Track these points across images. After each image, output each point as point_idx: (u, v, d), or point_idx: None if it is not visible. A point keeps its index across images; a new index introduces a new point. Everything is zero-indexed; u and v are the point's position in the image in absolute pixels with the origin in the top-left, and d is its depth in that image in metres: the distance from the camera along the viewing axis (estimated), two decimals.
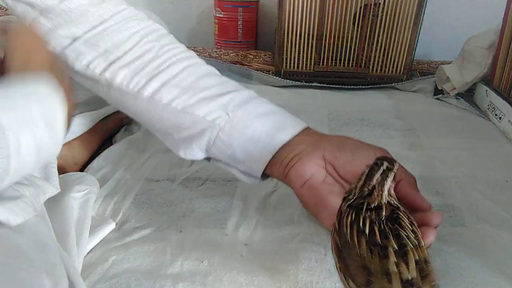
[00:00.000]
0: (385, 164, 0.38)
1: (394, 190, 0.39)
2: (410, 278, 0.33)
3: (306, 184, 0.46)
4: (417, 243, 0.35)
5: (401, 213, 0.37)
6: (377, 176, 0.38)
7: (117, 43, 0.52)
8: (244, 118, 0.49)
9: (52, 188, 0.47)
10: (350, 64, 1.06)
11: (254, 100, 0.52)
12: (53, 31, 0.52)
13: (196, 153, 0.51)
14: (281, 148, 0.48)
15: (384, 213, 0.36)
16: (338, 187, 0.46)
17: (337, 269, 0.38)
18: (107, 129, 0.79)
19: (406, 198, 0.42)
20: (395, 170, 0.38)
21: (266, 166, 0.49)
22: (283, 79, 1.06)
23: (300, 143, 0.48)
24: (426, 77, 1.08)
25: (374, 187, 0.37)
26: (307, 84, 1.07)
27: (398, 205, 0.38)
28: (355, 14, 1.01)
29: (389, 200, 0.38)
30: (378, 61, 1.06)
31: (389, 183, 0.38)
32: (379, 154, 0.43)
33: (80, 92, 0.72)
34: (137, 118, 0.55)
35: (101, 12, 0.53)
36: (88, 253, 0.52)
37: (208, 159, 0.54)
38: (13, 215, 0.37)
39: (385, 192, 0.37)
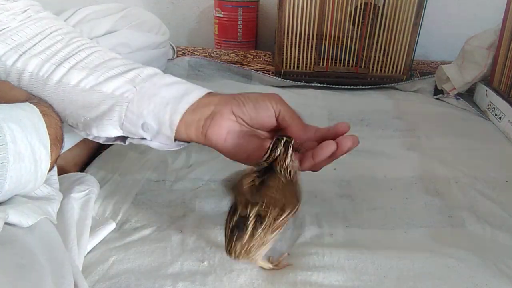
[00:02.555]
0: (285, 138, 0.48)
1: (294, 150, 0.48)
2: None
3: (226, 139, 0.51)
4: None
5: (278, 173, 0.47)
6: (280, 147, 0.47)
7: (28, 37, 0.54)
8: (151, 88, 0.51)
9: (60, 195, 0.50)
10: (350, 64, 1.06)
11: (159, 74, 0.54)
12: None
13: (109, 129, 0.52)
14: (190, 110, 0.50)
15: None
16: (253, 132, 0.52)
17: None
18: None
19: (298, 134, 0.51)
20: (292, 142, 0.48)
21: (182, 130, 0.51)
22: (283, 79, 1.06)
23: (208, 104, 0.51)
24: (426, 77, 1.08)
25: (278, 156, 0.47)
26: (307, 84, 1.07)
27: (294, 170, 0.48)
28: (351, 12, 1.00)
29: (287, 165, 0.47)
30: (378, 61, 1.06)
31: (290, 151, 0.47)
32: (274, 103, 0.51)
33: None
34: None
35: (12, 11, 0.55)
36: (88, 253, 0.52)
37: (123, 140, 0.55)
38: (25, 217, 0.39)
39: (289, 158, 0.47)
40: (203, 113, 0.50)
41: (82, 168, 0.71)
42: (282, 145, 0.47)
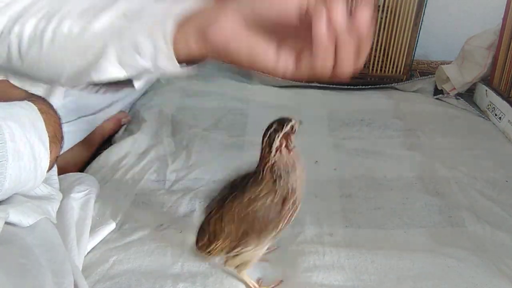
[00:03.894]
0: (274, 126, 0.44)
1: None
2: None
3: (230, 40, 0.41)
4: None
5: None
6: (265, 139, 0.43)
7: (28, 3, 0.49)
8: (140, 10, 0.45)
9: (60, 194, 0.50)
10: None
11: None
12: None
13: (108, 69, 0.46)
14: (186, 17, 0.43)
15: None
16: (260, 30, 0.42)
17: None
18: (107, 129, 0.79)
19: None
20: (285, 129, 0.43)
21: (180, 42, 0.43)
22: (283, 79, 1.06)
23: (203, 10, 0.43)
24: (426, 77, 1.08)
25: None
26: (307, 84, 1.06)
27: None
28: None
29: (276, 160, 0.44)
30: (378, 61, 1.06)
31: (277, 143, 0.43)
32: None
33: (79, 96, 0.73)
34: (48, 71, 0.50)
35: None
36: (88, 253, 0.52)
37: (131, 85, 0.49)
38: (25, 217, 0.39)
39: (273, 153, 0.43)
40: (202, 16, 0.43)
41: (82, 168, 0.71)
42: (267, 137, 0.44)
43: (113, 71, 0.46)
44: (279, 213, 0.44)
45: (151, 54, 0.45)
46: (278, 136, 0.43)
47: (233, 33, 0.41)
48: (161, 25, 0.43)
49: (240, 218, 0.43)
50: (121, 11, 0.46)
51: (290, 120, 0.44)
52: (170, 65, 0.45)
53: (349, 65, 0.39)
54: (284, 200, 0.44)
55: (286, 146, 0.44)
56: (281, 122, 0.43)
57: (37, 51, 0.49)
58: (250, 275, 0.49)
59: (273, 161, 0.43)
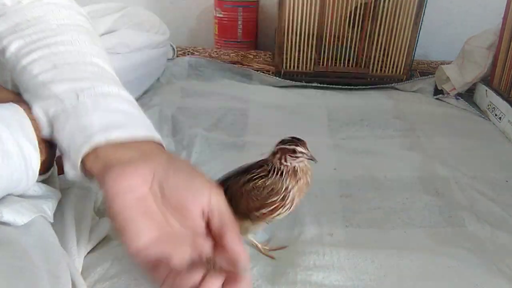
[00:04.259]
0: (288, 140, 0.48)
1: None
2: None
3: (121, 196, 0.38)
4: None
5: None
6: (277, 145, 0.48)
7: (26, 19, 0.52)
8: (89, 108, 0.44)
9: (58, 193, 0.50)
10: (350, 64, 1.06)
11: (117, 96, 0.46)
12: None
13: (41, 119, 0.45)
14: (109, 145, 0.41)
15: None
16: (155, 210, 0.39)
17: None
18: None
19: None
20: (285, 146, 0.48)
21: (89, 160, 0.41)
22: (283, 79, 1.06)
23: (134, 148, 0.41)
24: (426, 77, 1.08)
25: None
26: (307, 84, 1.06)
27: None
28: (350, 12, 1.00)
29: None
30: (378, 61, 1.06)
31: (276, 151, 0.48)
32: (213, 196, 0.39)
33: None
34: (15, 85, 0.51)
35: None
36: (88, 253, 0.52)
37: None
38: (19, 215, 0.39)
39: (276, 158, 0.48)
40: (118, 153, 0.40)
41: None
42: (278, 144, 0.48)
43: (42, 121, 0.45)
44: (266, 199, 0.47)
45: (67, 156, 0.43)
46: (277, 145, 0.48)
47: (125, 197, 0.38)
48: (82, 141, 0.41)
49: (236, 193, 0.48)
50: (81, 90, 0.45)
51: (297, 145, 0.47)
52: (70, 173, 0.43)
53: None
54: (274, 191, 0.47)
55: (285, 159, 0.47)
56: (293, 140, 0.48)
57: (11, 70, 0.52)
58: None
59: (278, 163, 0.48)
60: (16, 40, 0.50)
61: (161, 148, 0.45)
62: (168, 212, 0.39)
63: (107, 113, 0.44)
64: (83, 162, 0.41)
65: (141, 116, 0.47)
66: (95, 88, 0.45)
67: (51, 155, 0.46)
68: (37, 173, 0.43)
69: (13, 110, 0.43)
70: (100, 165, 0.40)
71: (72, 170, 0.42)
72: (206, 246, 0.38)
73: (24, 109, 0.44)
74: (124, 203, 0.38)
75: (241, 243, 0.37)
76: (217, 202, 0.38)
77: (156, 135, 0.45)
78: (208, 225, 0.38)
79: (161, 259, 0.36)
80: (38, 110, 0.45)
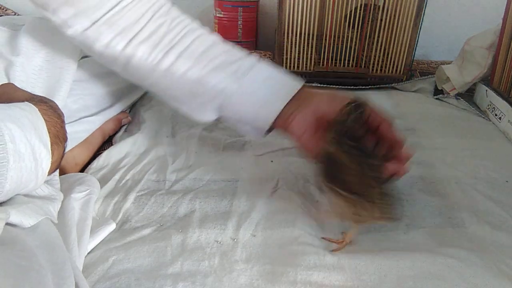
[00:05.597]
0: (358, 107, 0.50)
1: (375, 131, 0.53)
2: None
3: (304, 134, 0.56)
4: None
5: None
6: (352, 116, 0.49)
7: (133, 21, 0.58)
8: (249, 86, 0.57)
9: (61, 195, 0.50)
10: (350, 64, 1.06)
11: (258, 65, 0.59)
12: (75, 16, 0.57)
13: (207, 115, 0.60)
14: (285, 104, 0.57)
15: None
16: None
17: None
18: (108, 130, 0.79)
19: (385, 139, 0.54)
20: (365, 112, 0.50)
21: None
22: None
23: (297, 99, 0.57)
24: (426, 77, 1.08)
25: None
26: (307, 84, 1.06)
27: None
28: (349, 14, 1.00)
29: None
30: (378, 61, 1.06)
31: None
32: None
33: (81, 96, 0.73)
34: (153, 89, 0.62)
35: None
36: (88, 253, 0.52)
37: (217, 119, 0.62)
38: (26, 218, 0.39)
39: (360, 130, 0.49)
40: (290, 108, 0.57)
41: (83, 168, 0.71)
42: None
43: (211, 117, 0.61)
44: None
45: (247, 125, 0.60)
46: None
47: (306, 131, 0.56)
48: (266, 113, 0.57)
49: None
50: (233, 74, 0.57)
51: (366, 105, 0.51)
52: (256, 137, 0.61)
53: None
54: None
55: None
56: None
57: (144, 73, 0.59)
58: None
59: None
60: (139, 46, 0.57)
61: (307, 88, 0.60)
62: None
63: (266, 84, 0.58)
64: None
65: (281, 71, 0.60)
66: (241, 67, 0.58)
67: (60, 157, 0.47)
68: (46, 174, 0.44)
69: (28, 110, 0.43)
70: (281, 121, 0.57)
71: (259, 133, 0.60)
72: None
73: (39, 109, 0.44)
74: (311, 138, 0.56)
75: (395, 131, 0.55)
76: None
77: (300, 81, 0.60)
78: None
79: None
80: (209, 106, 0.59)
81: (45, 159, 0.43)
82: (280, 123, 0.58)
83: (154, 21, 0.58)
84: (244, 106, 0.58)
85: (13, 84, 0.53)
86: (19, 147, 0.39)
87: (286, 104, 0.57)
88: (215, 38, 0.61)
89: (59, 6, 0.56)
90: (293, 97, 0.57)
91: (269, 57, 1.20)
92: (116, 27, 0.57)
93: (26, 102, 0.44)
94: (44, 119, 0.44)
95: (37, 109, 0.44)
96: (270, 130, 0.60)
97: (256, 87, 0.57)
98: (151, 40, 0.57)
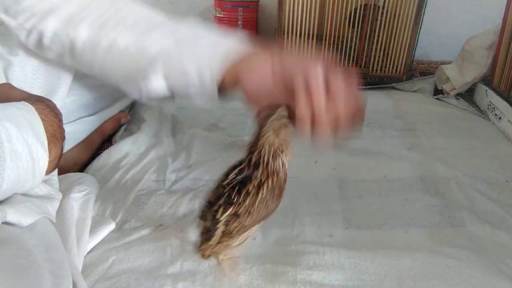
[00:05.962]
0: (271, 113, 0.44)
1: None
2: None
3: (257, 86, 0.49)
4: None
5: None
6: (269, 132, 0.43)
7: (79, 8, 0.56)
8: (189, 41, 0.53)
9: (60, 194, 0.50)
10: (350, 64, 1.06)
11: (198, 26, 0.55)
12: (27, 17, 0.57)
13: (153, 81, 0.54)
14: (229, 56, 0.50)
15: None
16: (283, 87, 0.49)
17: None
18: (107, 129, 0.79)
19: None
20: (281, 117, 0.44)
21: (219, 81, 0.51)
22: None
23: (248, 50, 0.51)
24: (426, 77, 1.08)
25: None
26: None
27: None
28: (349, 14, 1.00)
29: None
30: (378, 61, 1.06)
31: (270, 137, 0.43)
32: (310, 69, 0.45)
33: (79, 96, 0.73)
34: (103, 73, 0.59)
35: None
36: (88, 253, 0.52)
37: (172, 99, 0.58)
38: (24, 216, 0.39)
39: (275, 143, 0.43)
40: (241, 62, 0.51)
41: (82, 168, 0.71)
42: (269, 127, 0.43)
43: (158, 85, 0.55)
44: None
45: (196, 86, 0.52)
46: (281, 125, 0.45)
47: (259, 85, 0.49)
48: (209, 63, 0.51)
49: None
50: (172, 35, 0.54)
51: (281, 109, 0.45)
52: (208, 102, 0.53)
53: (326, 140, 0.45)
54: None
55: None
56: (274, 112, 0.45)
57: (90, 56, 0.57)
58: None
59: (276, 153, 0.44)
60: (81, 29, 0.55)
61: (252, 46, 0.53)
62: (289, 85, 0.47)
63: (207, 38, 0.54)
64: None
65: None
66: (179, 29, 0.55)
67: (58, 156, 0.47)
68: (44, 173, 0.44)
69: (25, 109, 0.43)
70: (231, 78, 0.50)
71: (209, 99, 0.52)
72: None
73: (36, 108, 0.44)
74: (264, 89, 0.49)
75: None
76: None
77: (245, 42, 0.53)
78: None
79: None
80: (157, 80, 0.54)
81: (42, 158, 0.42)
82: (229, 77, 0.51)
83: (99, 6, 0.57)
84: (186, 63, 0.52)
85: (10, 84, 0.53)
86: (16, 147, 0.39)
87: (234, 53, 0.51)
88: (163, 19, 0.59)
89: (20, 11, 0.56)
90: (244, 48, 0.51)
91: None
92: (61, 15, 0.56)
93: (23, 102, 0.44)
94: (41, 118, 0.44)
95: (34, 108, 0.44)
96: (224, 92, 0.53)
97: (196, 41, 0.53)
98: (95, 23, 0.56)
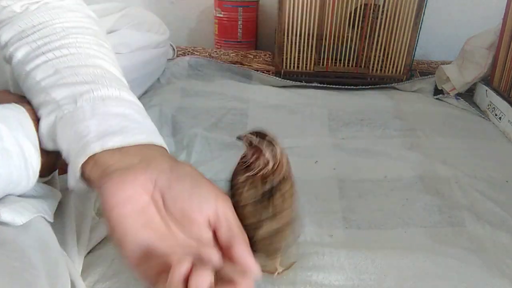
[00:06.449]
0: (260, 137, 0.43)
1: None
2: None
3: (119, 207, 0.36)
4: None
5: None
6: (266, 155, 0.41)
7: (33, 24, 0.51)
8: (86, 114, 0.42)
9: (59, 194, 0.49)
10: (350, 64, 1.06)
11: (117, 99, 0.44)
12: None
13: (43, 128, 0.44)
14: (107, 152, 0.39)
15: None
16: (157, 220, 0.37)
17: None
18: None
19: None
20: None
21: (86, 167, 0.40)
22: (283, 79, 1.06)
23: (133, 153, 0.39)
24: (426, 77, 1.08)
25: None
26: (307, 84, 1.06)
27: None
28: (349, 14, 1.00)
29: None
30: (378, 61, 1.06)
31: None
32: (221, 204, 0.37)
33: None
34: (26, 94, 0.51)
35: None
36: (88, 252, 0.52)
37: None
38: (18, 215, 0.39)
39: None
40: (119, 161, 0.39)
41: None
42: (267, 153, 0.40)
43: (43, 131, 0.44)
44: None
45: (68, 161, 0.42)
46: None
47: (126, 207, 0.36)
48: (80, 149, 0.40)
49: None
50: (80, 95, 0.44)
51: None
52: (72, 182, 0.42)
53: None
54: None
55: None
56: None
57: (18, 77, 0.52)
58: None
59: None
60: (22, 46, 0.50)
61: (164, 152, 0.42)
62: (171, 222, 0.37)
63: (105, 118, 0.42)
64: (83, 170, 0.40)
65: (143, 118, 0.45)
66: (94, 91, 0.44)
67: (54, 157, 0.46)
68: (38, 172, 0.43)
69: (15, 110, 0.43)
70: (98, 172, 0.38)
71: (73, 179, 0.41)
72: (213, 257, 0.34)
73: (26, 110, 0.44)
74: (122, 215, 0.36)
75: (251, 255, 0.35)
76: (224, 211, 0.37)
77: (156, 139, 0.43)
78: (215, 236, 0.37)
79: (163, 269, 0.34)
80: (42, 123, 0.44)
81: (34, 158, 0.42)
82: (94, 174, 0.39)
83: (52, 28, 0.50)
84: (65, 133, 0.42)
85: (6, 91, 0.53)
86: (6, 145, 0.39)
87: (116, 150, 0.39)
88: (105, 63, 0.49)
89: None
90: (132, 148, 0.40)
91: (269, 57, 1.20)
92: (16, 27, 0.51)
93: (12, 103, 0.44)
94: (32, 119, 0.44)
95: (24, 109, 0.44)
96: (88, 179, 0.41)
97: (90, 118, 0.42)
98: (35, 43, 0.49)
